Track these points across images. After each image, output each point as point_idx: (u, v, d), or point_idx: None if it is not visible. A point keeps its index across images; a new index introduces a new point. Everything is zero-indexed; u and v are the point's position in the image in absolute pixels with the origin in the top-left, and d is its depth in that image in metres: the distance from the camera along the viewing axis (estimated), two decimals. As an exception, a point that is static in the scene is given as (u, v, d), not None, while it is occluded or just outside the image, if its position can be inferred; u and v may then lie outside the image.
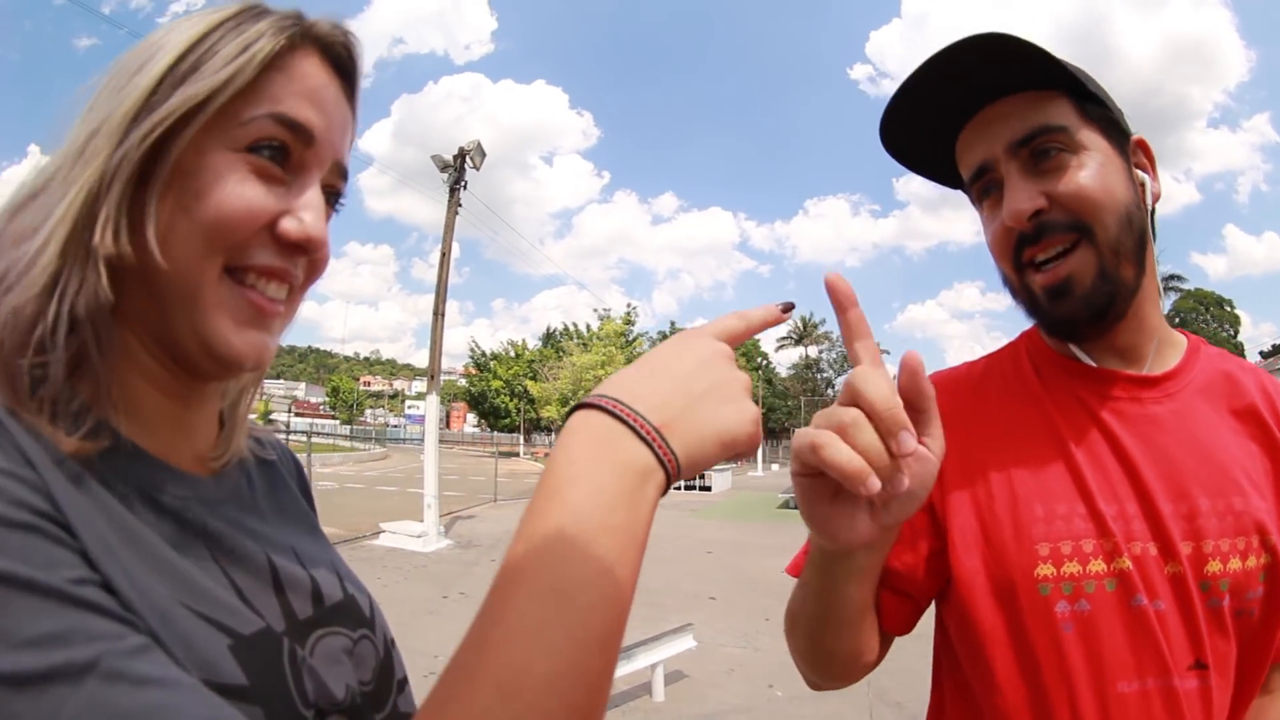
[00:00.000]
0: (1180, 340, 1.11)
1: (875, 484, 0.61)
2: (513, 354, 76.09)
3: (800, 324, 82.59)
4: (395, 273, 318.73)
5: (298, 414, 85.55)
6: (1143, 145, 1.07)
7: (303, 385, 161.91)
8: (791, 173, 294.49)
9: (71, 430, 0.58)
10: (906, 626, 1.11)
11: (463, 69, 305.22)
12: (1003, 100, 1.01)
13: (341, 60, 0.75)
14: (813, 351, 77.01)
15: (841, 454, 0.62)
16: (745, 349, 78.48)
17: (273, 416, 53.17)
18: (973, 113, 1.04)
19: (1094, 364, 1.07)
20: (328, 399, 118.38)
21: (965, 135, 1.06)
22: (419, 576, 10.96)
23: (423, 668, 6.68)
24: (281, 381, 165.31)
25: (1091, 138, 1.00)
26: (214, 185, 0.64)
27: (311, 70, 0.71)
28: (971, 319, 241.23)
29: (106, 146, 0.62)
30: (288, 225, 0.68)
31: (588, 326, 66.58)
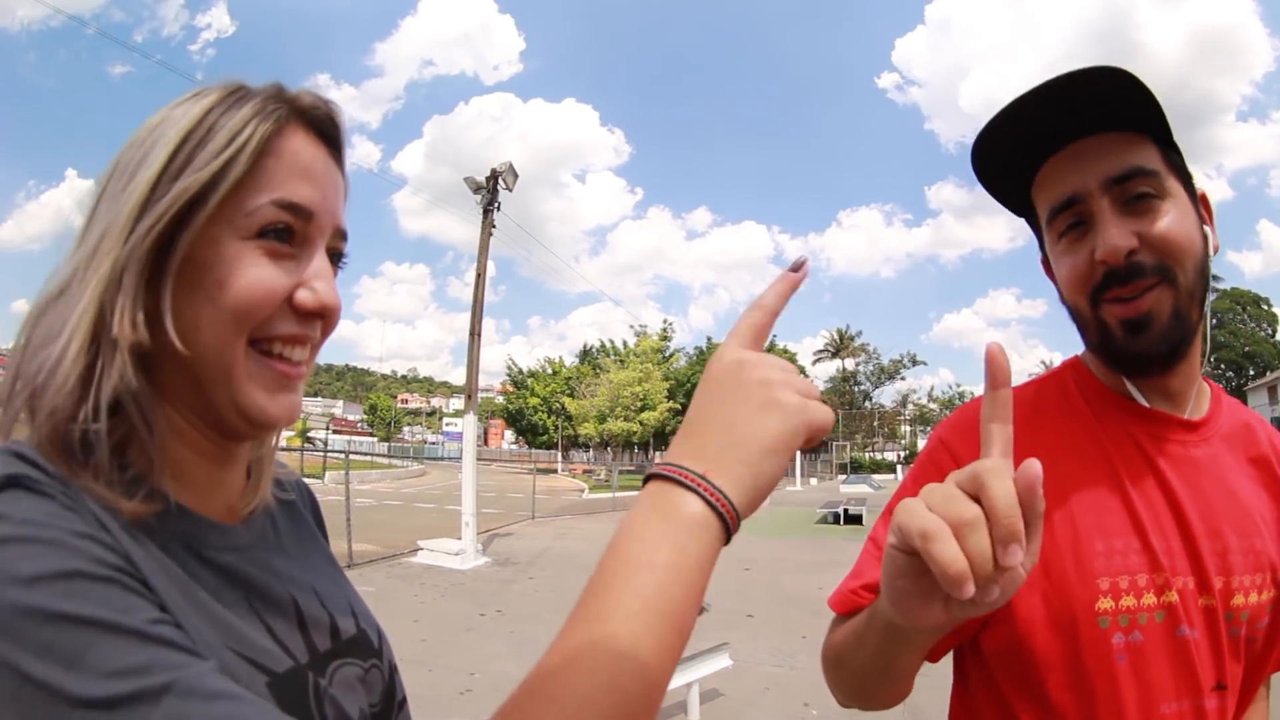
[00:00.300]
0: (1207, 388, 1.16)
1: (971, 590, 0.60)
2: (550, 371, 76.59)
3: (837, 337, 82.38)
4: (431, 291, 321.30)
5: (335, 431, 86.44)
6: (1204, 199, 1.11)
7: (340, 403, 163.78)
8: (823, 184, 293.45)
9: (128, 496, 0.64)
10: (943, 654, 1.13)
11: (493, 89, 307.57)
12: (1098, 136, 1.04)
13: (326, 130, 0.80)
14: (849, 364, 76.69)
15: (949, 553, 0.61)
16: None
17: (310, 434, 53.57)
18: (1063, 144, 1.06)
19: (1146, 404, 1.10)
20: (366, 416, 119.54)
21: (1054, 165, 1.07)
22: (456, 594, 11.00)
23: (459, 685, 6.77)
24: (319, 399, 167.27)
25: (1174, 185, 1.04)
26: (233, 274, 0.69)
27: (301, 147, 0.75)
28: (1008, 326, 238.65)
29: (116, 244, 0.67)
30: (303, 297, 0.73)
31: (624, 343, 66.79)
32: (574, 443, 76.87)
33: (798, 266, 0.69)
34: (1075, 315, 1.11)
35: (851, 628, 1.06)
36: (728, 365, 0.64)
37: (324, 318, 0.77)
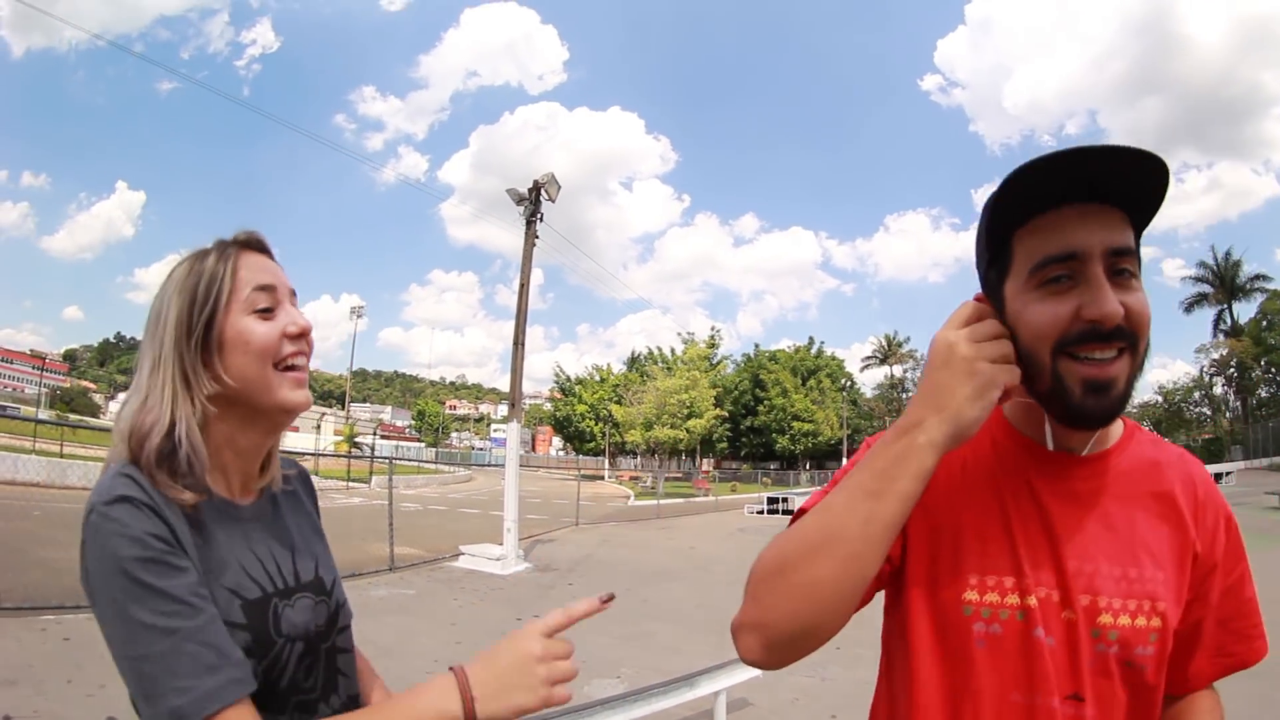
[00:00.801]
0: (1119, 427, 1.28)
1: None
2: (598, 378, 76.63)
3: (885, 343, 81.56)
4: (480, 299, 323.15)
5: (383, 437, 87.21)
6: None
7: (389, 409, 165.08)
8: (870, 189, 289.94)
9: (189, 490, 1.18)
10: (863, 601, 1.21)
11: (537, 99, 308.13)
12: (1105, 205, 1.12)
13: (260, 245, 1.36)
14: (897, 371, 75.87)
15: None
16: (831, 369, 77.55)
17: (358, 439, 54.21)
18: (1076, 201, 1.11)
19: (1051, 446, 1.23)
20: (414, 422, 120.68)
21: (1059, 217, 1.12)
22: (494, 599, 11.17)
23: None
24: (368, 405, 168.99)
25: (1137, 270, 1.15)
26: (251, 333, 1.26)
27: (253, 259, 1.32)
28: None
29: (175, 350, 1.23)
30: (290, 329, 1.30)
31: (672, 350, 66.71)
32: (621, 449, 76.91)
33: (606, 600, 1.22)
34: (1028, 361, 1.14)
35: (826, 511, 1.12)
36: (528, 646, 1.19)
37: (305, 335, 1.31)
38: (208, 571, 1.15)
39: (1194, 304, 67.27)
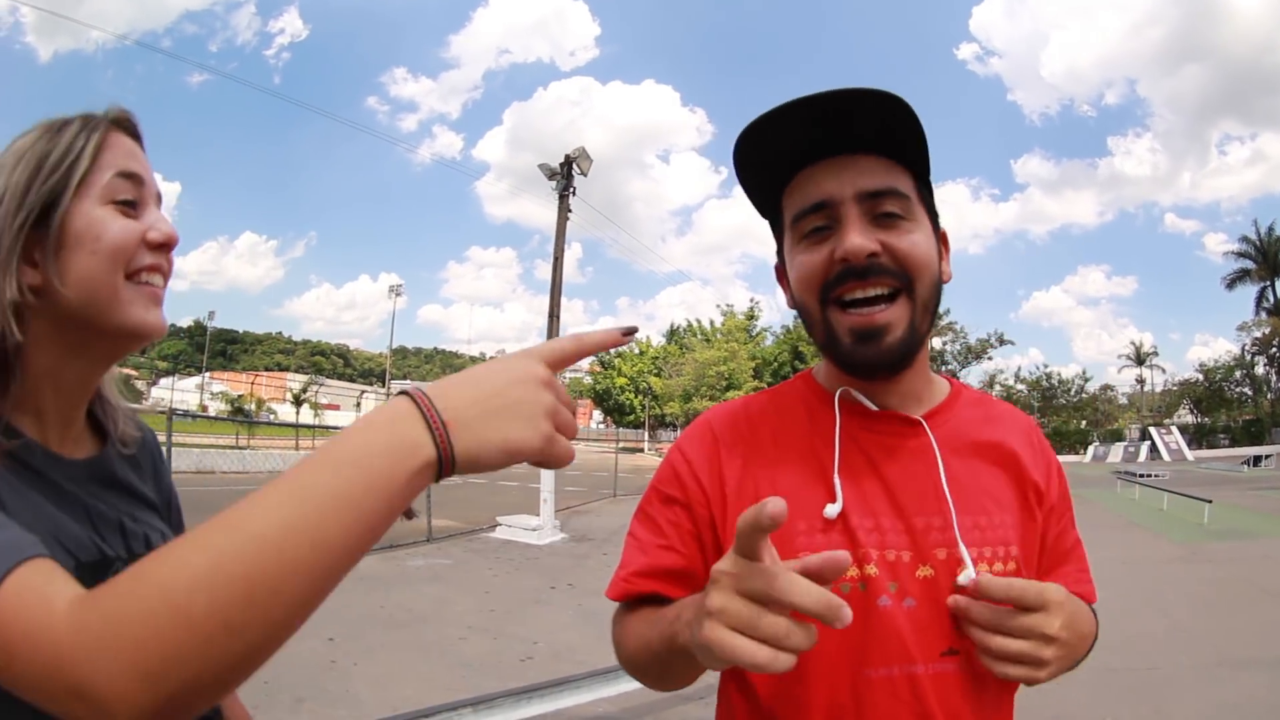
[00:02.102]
0: (944, 386, 1.29)
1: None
2: (636, 351, 76.63)
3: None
4: (519, 275, 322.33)
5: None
6: (944, 237, 1.23)
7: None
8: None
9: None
10: None
11: (570, 74, 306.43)
12: (862, 155, 1.12)
13: (132, 128, 1.08)
14: (937, 343, 75.20)
15: (782, 663, 0.77)
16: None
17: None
18: (827, 156, 1.13)
19: (875, 407, 1.20)
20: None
21: (812, 172, 1.14)
22: (530, 568, 11.31)
23: (520, 652, 7.03)
24: (409, 382, 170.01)
25: (921, 215, 1.15)
26: (104, 229, 0.97)
27: (121, 142, 1.04)
28: (1098, 305, 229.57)
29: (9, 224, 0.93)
30: (153, 235, 1.01)
31: (711, 322, 66.49)
32: (660, 422, 76.94)
33: (628, 333, 0.82)
34: (803, 313, 1.19)
35: (637, 634, 1.17)
36: (527, 366, 0.76)
37: (169, 247, 1.04)
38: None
39: (1236, 280, 65.83)
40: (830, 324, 1.14)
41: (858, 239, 1.08)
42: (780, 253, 1.26)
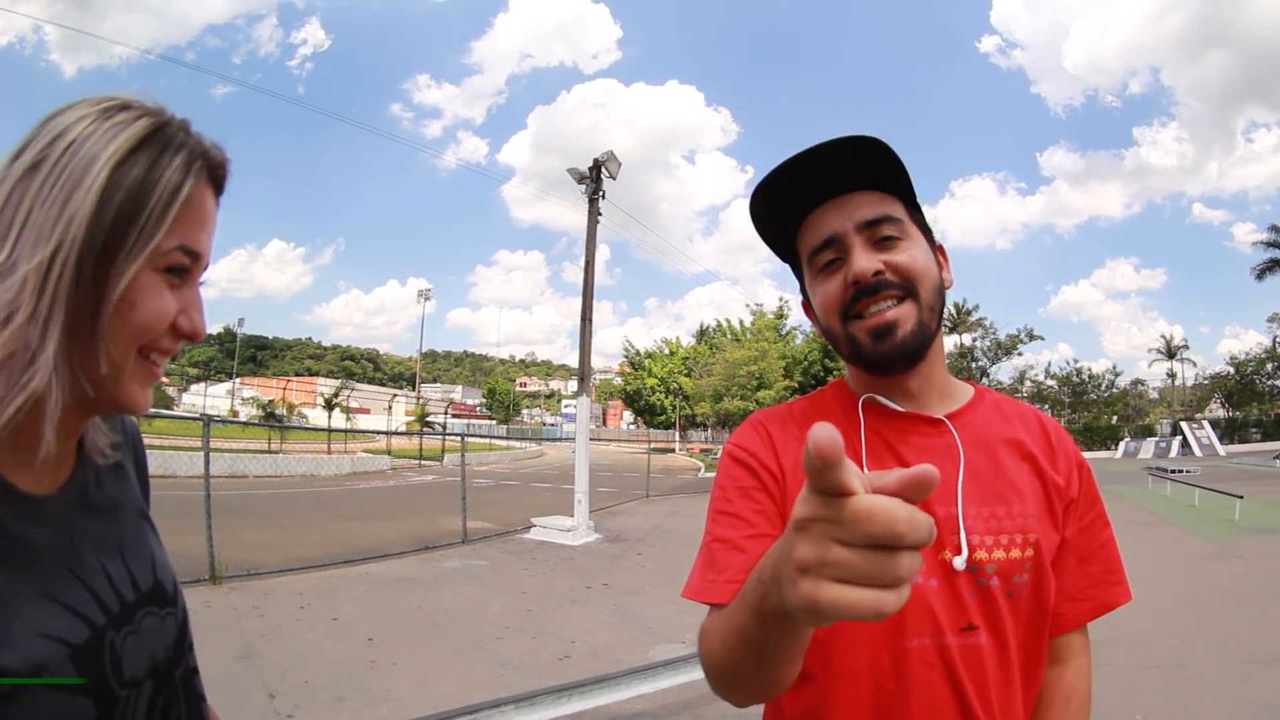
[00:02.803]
0: (966, 391, 1.40)
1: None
2: (667, 352, 76.61)
3: (954, 311, 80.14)
4: (547, 277, 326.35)
5: (454, 416, 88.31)
6: (941, 249, 1.38)
7: (459, 388, 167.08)
8: (933, 154, 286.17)
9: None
10: None
11: (593, 77, 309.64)
12: (857, 193, 1.29)
13: (221, 181, 0.96)
14: (967, 340, 74.58)
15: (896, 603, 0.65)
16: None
17: (429, 419, 55.04)
18: (827, 198, 1.30)
19: (898, 408, 1.33)
20: (484, 400, 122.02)
21: (821, 212, 1.31)
22: (565, 568, 11.37)
23: (558, 651, 7.08)
24: (438, 385, 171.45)
25: (915, 233, 1.31)
26: (144, 299, 0.85)
27: (206, 200, 0.93)
28: (1127, 299, 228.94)
29: (67, 287, 0.80)
30: (182, 323, 0.90)
31: (740, 322, 66.32)
32: (691, 422, 76.94)
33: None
34: (830, 335, 1.34)
35: (727, 626, 1.04)
36: None
37: (193, 340, 0.93)
38: (17, 620, 0.79)
39: (1266, 270, 63.56)
40: (851, 335, 1.29)
41: (864, 262, 1.24)
42: (803, 289, 1.42)
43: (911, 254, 1.28)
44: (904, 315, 1.25)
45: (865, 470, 1.08)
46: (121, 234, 0.82)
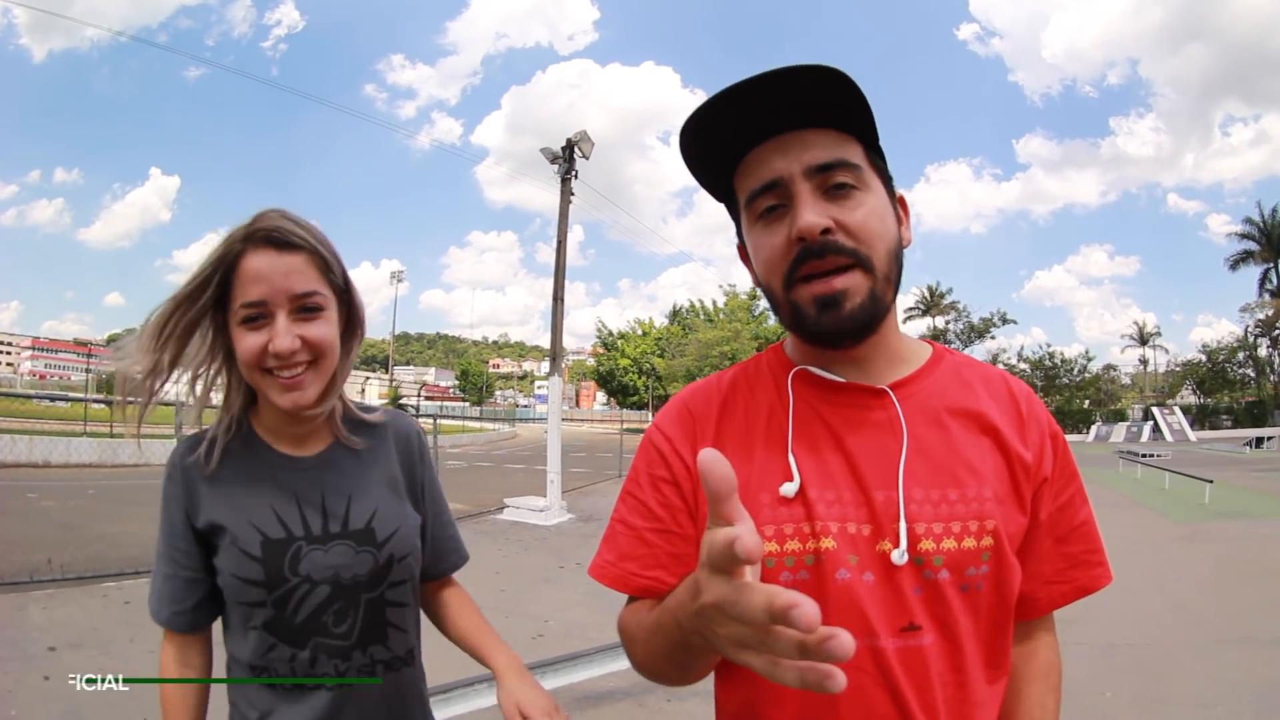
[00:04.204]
0: (922, 354, 1.25)
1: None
2: (640, 332, 76.43)
3: (927, 294, 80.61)
4: (520, 258, 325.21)
5: (427, 397, 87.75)
6: (902, 200, 1.22)
7: (432, 370, 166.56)
8: (909, 139, 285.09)
9: (236, 436, 1.47)
10: None
11: (568, 58, 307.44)
12: (807, 130, 1.11)
13: (277, 239, 1.38)
14: (940, 322, 74.99)
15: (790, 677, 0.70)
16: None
17: (402, 401, 54.84)
18: (771, 135, 1.12)
19: (837, 378, 1.18)
20: (457, 382, 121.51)
21: (760, 152, 1.13)
22: (539, 548, 11.41)
23: (531, 630, 7.16)
24: (411, 367, 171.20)
25: (875, 182, 1.13)
26: (240, 344, 1.38)
27: (254, 261, 1.37)
28: (1100, 285, 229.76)
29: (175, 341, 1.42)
30: (269, 347, 1.36)
31: (714, 302, 66.34)
32: (664, 402, 76.71)
33: None
34: (769, 296, 1.18)
35: (650, 627, 1.07)
36: None
37: (282, 356, 1.36)
38: (236, 510, 1.42)
39: (1239, 261, 65.62)
40: (794, 302, 1.12)
41: (810, 216, 1.07)
42: (740, 234, 1.25)
43: (868, 210, 1.10)
44: (853, 285, 1.09)
45: (791, 451, 1.14)
46: (192, 307, 1.39)
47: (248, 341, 1.36)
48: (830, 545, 1.08)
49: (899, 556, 1.07)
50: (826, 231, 1.07)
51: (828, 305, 1.09)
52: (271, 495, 1.44)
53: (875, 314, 1.12)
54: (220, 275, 1.37)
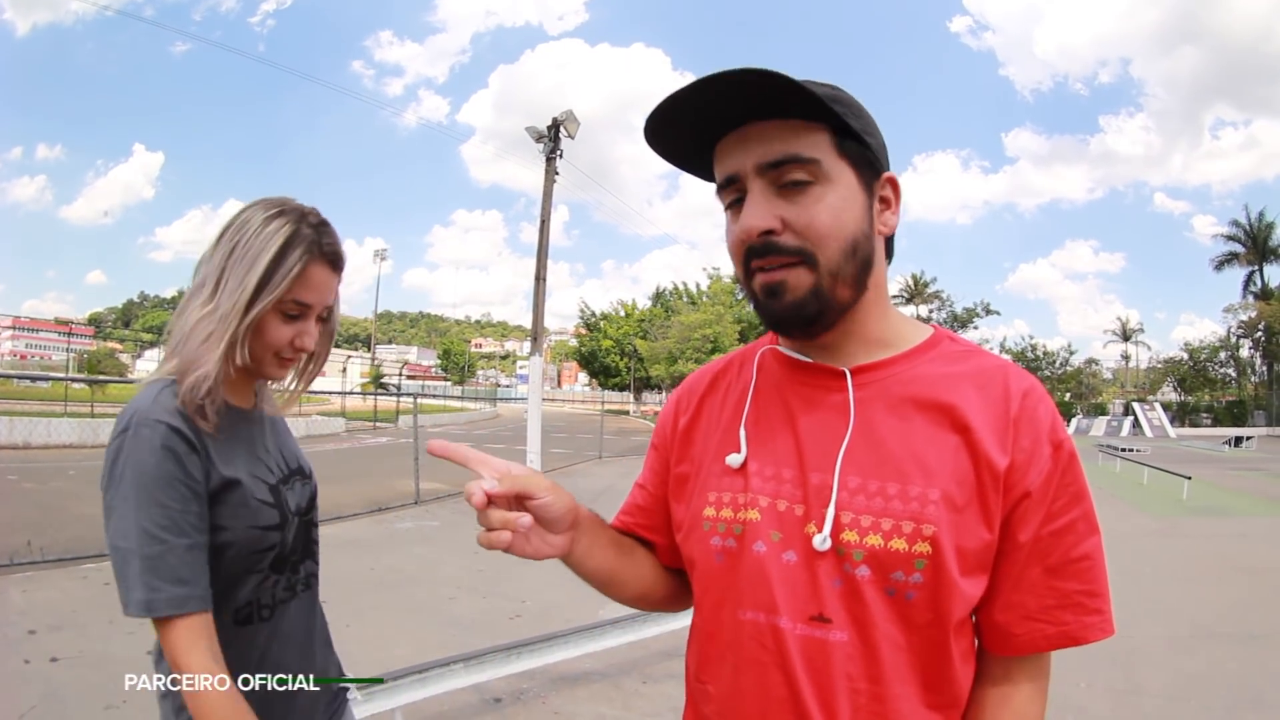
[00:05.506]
0: (912, 338, 1.19)
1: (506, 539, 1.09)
2: (622, 313, 76.37)
3: (912, 282, 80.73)
4: (504, 238, 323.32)
5: (409, 377, 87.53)
6: (892, 182, 1.16)
7: (414, 350, 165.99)
8: (899, 129, 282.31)
9: (213, 402, 1.47)
10: (677, 561, 1.34)
11: (558, 37, 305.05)
12: (766, 121, 1.07)
13: (337, 261, 1.61)
14: (923, 311, 75.14)
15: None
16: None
17: (384, 380, 54.68)
18: (735, 125, 1.10)
19: (808, 359, 1.19)
20: (439, 362, 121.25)
21: (724, 144, 1.12)
22: (518, 529, 11.32)
23: (509, 610, 7.20)
24: (393, 346, 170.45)
25: (841, 172, 1.08)
26: (274, 329, 1.54)
27: (316, 273, 1.56)
28: (1084, 280, 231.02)
29: (240, 309, 1.49)
30: (295, 342, 1.57)
31: (697, 285, 66.23)
32: (646, 384, 76.91)
33: None
34: (740, 281, 1.18)
35: None
36: None
37: (300, 352, 1.60)
38: (238, 464, 1.53)
39: (1224, 262, 65.98)
40: (751, 288, 1.13)
41: (750, 219, 1.07)
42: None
43: (822, 207, 1.06)
44: (795, 280, 1.07)
45: (744, 425, 1.22)
46: (262, 293, 1.49)
47: (283, 331, 1.55)
48: (754, 517, 1.12)
49: (821, 542, 1.05)
50: (767, 233, 1.07)
51: (772, 294, 1.09)
52: (247, 445, 1.60)
53: (821, 309, 1.09)
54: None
